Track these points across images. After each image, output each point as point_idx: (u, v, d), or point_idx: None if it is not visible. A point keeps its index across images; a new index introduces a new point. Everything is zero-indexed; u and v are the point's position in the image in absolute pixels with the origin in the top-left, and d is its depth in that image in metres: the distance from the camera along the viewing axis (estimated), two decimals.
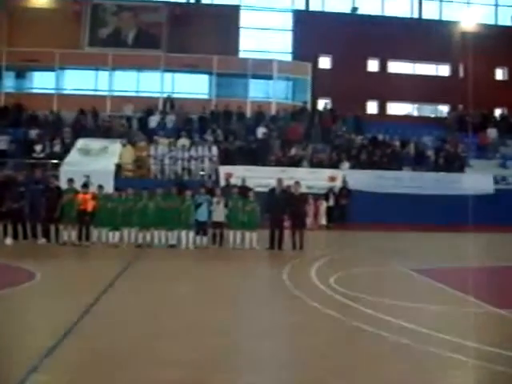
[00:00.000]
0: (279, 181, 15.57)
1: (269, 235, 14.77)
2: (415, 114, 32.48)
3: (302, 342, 6.54)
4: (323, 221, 21.64)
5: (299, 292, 9.04)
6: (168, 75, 28.77)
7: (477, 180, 24.47)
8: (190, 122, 25.99)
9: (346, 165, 23.95)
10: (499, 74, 32.30)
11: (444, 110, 31.98)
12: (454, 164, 25.41)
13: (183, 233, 14.82)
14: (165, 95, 27.95)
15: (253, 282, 10.81)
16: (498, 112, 31.65)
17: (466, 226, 20.77)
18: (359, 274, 11.28)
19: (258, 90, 29.17)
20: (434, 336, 6.66)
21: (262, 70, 28.52)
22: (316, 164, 23.77)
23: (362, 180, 23.01)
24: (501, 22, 32.54)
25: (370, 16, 30.79)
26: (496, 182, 24.66)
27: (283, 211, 15.00)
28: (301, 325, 7.20)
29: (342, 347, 6.43)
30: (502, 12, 32.75)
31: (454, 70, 31.54)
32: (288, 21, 30.93)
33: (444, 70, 31.74)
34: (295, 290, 9.27)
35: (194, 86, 29.13)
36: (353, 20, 30.42)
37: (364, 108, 30.87)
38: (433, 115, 32.27)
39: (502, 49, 31.10)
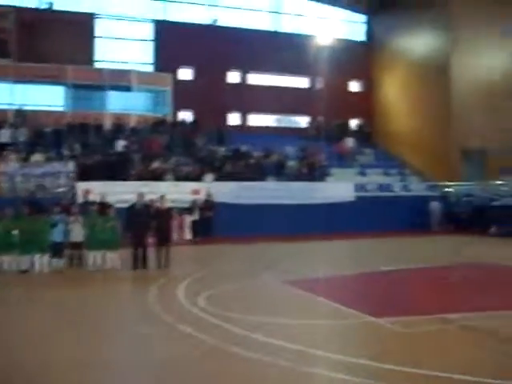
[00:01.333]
0: (140, 195, 14.69)
1: (131, 254, 13.84)
2: (276, 125, 32.86)
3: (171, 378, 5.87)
4: (188, 235, 21.05)
5: (167, 316, 8.34)
6: (18, 86, 26.73)
7: (338, 188, 25.14)
8: (43, 135, 24.29)
9: (209, 177, 23.56)
10: (354, 87, 33.61)
11: (304, 121, 32.64)
12: (315, 173, 25.94)
13: (37, 256, 13.51)
14: (15, 107, 25.93)
15: (115, 307, 9.89)
16: (353, 122, 32.89)
17: (330, 234, 21.28)
18: (230, 291, 10.75)
19: (116, 102, 27.91)
20: (308, 353, 6.29)
21: (121, 80, 27.36)
22: (180, 177, 23.13)
23: (227, 192, 22.72)
24: (355, 38, 33.90)
25: (230, 28, 30.75)
26: (356, 189, 25.46)
27: (146, 227, 14.15)
28: (172, 357, 6.51)
29: (212, 374, 5.85)
30: (355, 28, 34.16)
31: (313, 82, 32.36)
32: (148, 31, 30.07)
33: (303, 83, 32.44)
34: (162, 313, 8.55)
35: (47, 98, 27.29)
36: (213, 31, 30.19)
37: (226, 120, 30.72)
38: (294, 126, 32.84)
39: (356, 62, 32.45)
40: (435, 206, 25.31)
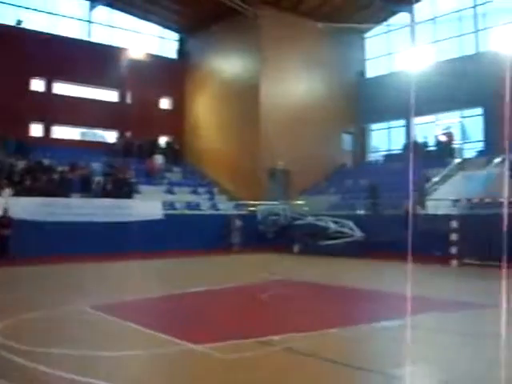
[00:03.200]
0: None
1: None
2: (83, 138, 31.31)
3: None
4: None
5: None
6: None
7: (146, 206, 24.54)
8: None
9: (7, 192, 21.58)
10: (164, 104, 33.30)
11: (112, 135, 31.50)
12: (123, 190, 25.05)
13: None
14: None
15: None
16: (163, 139, 32.53)
17: (139, 253, 20.56)
18: (31, 320, 9.60)
19: None
20: None
21: None
22: None
23: (27, 208, 20.96)
24: (168, 55, 33.66)
25: (36, 32, 28.54)
26: (164, 207, 25.05)
27: None
28: None
29: None
30: (169, 45, 33.95)
31: (123, 97, 31.43)
32: None
33: (113, 96, 31.34)
34: None
35: None
36: (17, 34, 27.72)
37: (28, 130, 28.49)
38: (101, 140, 31.55)
39: (168, 79, 32.22)
40: (239, 224, 25.77)
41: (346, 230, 22.89)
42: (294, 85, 30.45)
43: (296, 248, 24.23)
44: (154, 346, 7.53)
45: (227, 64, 31.33)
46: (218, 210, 27.70)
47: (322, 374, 6.43)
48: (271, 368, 6.69)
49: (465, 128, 29.06)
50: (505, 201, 16.18)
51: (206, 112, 32.73)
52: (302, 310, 10.67)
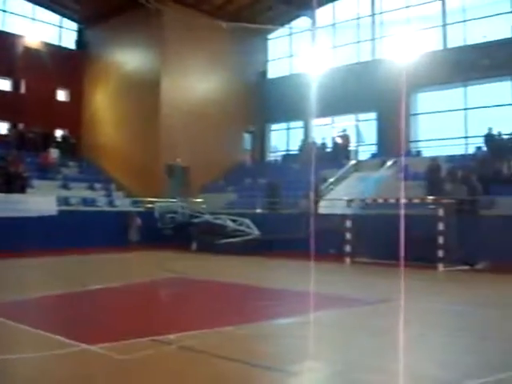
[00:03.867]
0: None
1: None
2: None
3: None
4: None
5: None
6: None
7: (40, 201, 23.57)
8: None
9: None
10: (61, 95, 32.11)
11: (4, 127, 29.95)
12: (15, 184, 23.92)
13: None
14: None
15: None
16: (59, 132, 31.40)
17: (33, 250, 19.71)
18: None
19: None
20: None
21: None
22: None
23: None
24: (67, 45, 32.44)
25: None
26: (59, 203, 24.20)
27: None
28: None
29: None
30: (68, 35, 32.70)
31: (16, 86, 29.96)
32: None
33: (5, 85, 29.81)
34: None
35: None
36: None
37: None
38: None
39: (66, 70, 31.05)
40: (138, 221, 25.37)
41: (243, 228, 23.12)
42: (197, 82, 30.36)
43: (194, 246, 24.19)
44: (45, 348, 7.25)
45: (129, 58, 30.68)
46: (115, 206, 27.11)
47: (218, 373, 6.46)
48: (165, 367, 6.64)
49: (360, 131, 30.17)
50: (401, 202, 17.05)
51: (105, 105, 31.89)
52: (199, 308, 10.69)
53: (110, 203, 27.38)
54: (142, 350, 7.11)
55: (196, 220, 24.86)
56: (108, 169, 30.43)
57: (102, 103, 31.96)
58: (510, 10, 25.82)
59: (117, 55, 31.29)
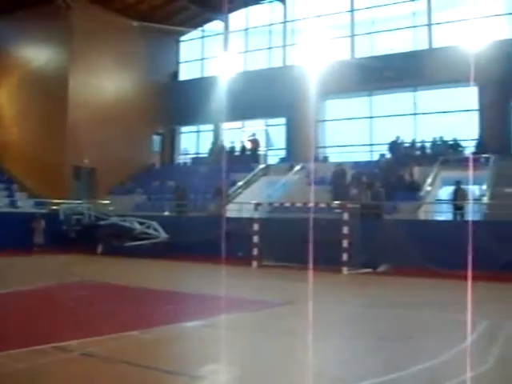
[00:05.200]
0: None
1: None
2: None
3: None
4: None
5: None
6: None
7: None
8: None
9: None
10: None
11: None
12: None
13: None
14: None
15: None
16: None
17: None
18: None
19: None
20: None
21: None
22: None
23: None
24: None
25: None
26: None
27: None
28: None
29: None
30: None
31: None
32: None
33: None
34: None
35: None
36: None
37: None
38: None
39: None
40: (42, 223, 24.48)
41: (151, 231, 22.83)
42: (106, 81, 29.68)
43: (100, 249, 23.62)
44: None
45: (35, 53, 29.45)
46: (17, 207, 26.02)
47: (123, 379, 6.32)
48: (65, 375, 6.40)
49: (269, 136, 30.58)
50: (308, 206, 17.40)
51: (8, 102, 30.48)
52: (103, 313, 10.43)
53: (12, 204, 26.24)
54: (41, 357, 6.85)
55: (102, 222, 24.29)
56: (10, 168, 29.13)
57: (6, 99, 30.56)
58: (413, 25, 27.07)
59: (23, 50, 29.96)
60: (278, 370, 6.68)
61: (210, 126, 32.22)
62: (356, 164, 24.73)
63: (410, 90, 26.76)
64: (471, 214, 19.84)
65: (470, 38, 24.04)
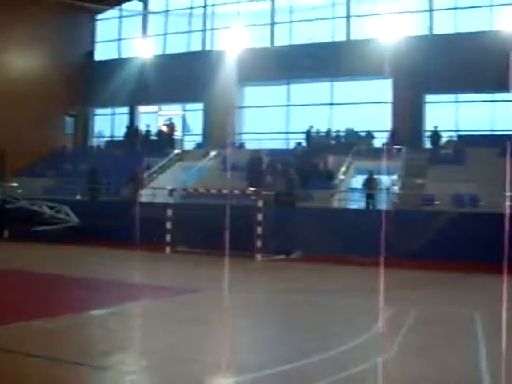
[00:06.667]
0: None
1: None
2: None
3: None
4: None
5: None
6: None
7: None
8: None
9: None
10: None
11: None
12: None
13: None
14: None
15: None
16: None
17: None
18: None
19: None
20: None
21: None
22: None
23: None
24: None
25: None
26: None
27: None
28: None
29: None
30: None
31: None
32: None
33: None
34: None
35: None
36: None
37: None
38: None
39: None
40: None
41: (61, 215, 22.04)
42: (15, 58, 28.26)
43: (6, 233, 22.55)
44: None
45: None
46: None
47: (24, 371, 5.96)
48: None
49: (186, 121, 30.20)
50: (223, 192, 17.30)
51: None
52: (7, 301, 9.90)
53: None
54: None
55: (9, 206, 23.18)
56: None
57: None
58: (332, 16, 27.41)
59: None
60: (186, 359, 6.53)
61: (126, 109, 31.43)
62: (272, 151, 24.82)
63: (327, 80, 27.13)
64: (382, 202, 20.40)
65: (387, 32, 24.70)
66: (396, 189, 20.55)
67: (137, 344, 7.33)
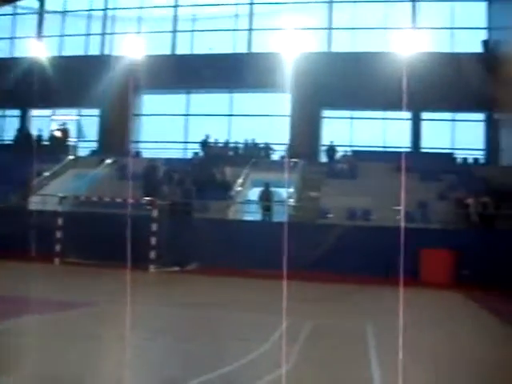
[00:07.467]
0: None
1: None
2: None
3: None
4: None
5: None
6: None
7: None
8: None
9: None
10: None
11: None
12: None
13: None
14: None
15: None
16: None
17: None
18: None
19: None
20: None
21: None
22: None
23: None
24: None
25: None
26: None
27: None
28: None
29: None
30: None
31: None
32: None
33: None
34: None
35: None
36: None
37: None
38: None
39: None
40: None
41: None
42: None
43: None
44: None
45: None
46: None
47: None
48: None
49: (81, 126, 29.12)
50: (117, 201, 16.66)
51: None
52: None
53: None
54: None
55: None
56: None
57: None
58: (234, 28, 27.47)
59: None
60: (73, 380, 6.06)
61: (17, 112, 29.86)
62: (169, 161, 24.39)
63: (227, 91, 27.13)
64: (278, 215, 20.51)
65: (287, 47, 25.05)
66: (292, 201, 20.74)
67: (20, 365, 6.70)
